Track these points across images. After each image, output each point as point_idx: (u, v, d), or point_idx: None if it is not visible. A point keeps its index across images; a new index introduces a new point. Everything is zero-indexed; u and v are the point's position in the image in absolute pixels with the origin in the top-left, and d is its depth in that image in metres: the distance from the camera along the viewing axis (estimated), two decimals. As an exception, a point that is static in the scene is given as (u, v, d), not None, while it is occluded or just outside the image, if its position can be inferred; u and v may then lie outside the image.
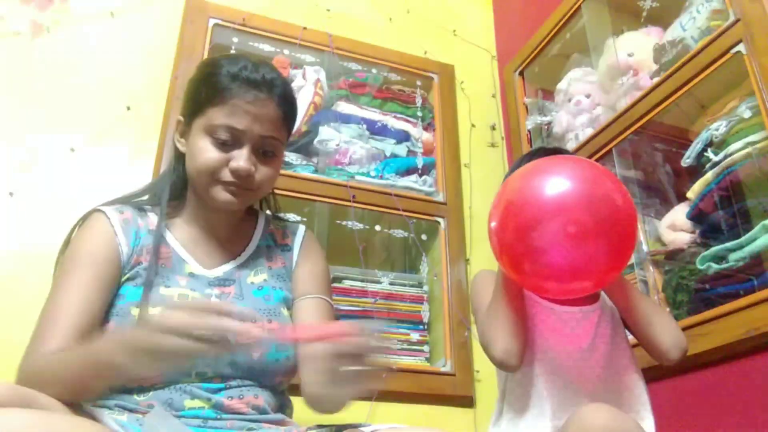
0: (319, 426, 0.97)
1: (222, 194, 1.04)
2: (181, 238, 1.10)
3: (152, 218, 1.10)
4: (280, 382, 1.07)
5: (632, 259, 1.62)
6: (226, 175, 1.03)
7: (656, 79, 1.63)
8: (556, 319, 1.17)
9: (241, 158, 1.02)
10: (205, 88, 1.05)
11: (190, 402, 0.95)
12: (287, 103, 1.08)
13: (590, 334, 1.16)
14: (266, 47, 2.09)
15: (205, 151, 1.03)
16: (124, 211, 1.09)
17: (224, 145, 1.03)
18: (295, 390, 1.17)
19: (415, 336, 1.86)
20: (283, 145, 1.10)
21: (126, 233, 1.05)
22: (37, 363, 0.94)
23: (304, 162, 1.95)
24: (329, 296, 1.16)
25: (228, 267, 1.10)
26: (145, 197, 1.15)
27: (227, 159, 1.03)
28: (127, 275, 1.03)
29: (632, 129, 1.68)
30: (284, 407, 1.07)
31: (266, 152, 1.06)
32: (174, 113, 1.80)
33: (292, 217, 1.83)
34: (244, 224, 1.17)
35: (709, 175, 1.48)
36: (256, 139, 1.04)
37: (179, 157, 1.12)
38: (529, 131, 2.14)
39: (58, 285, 1.01)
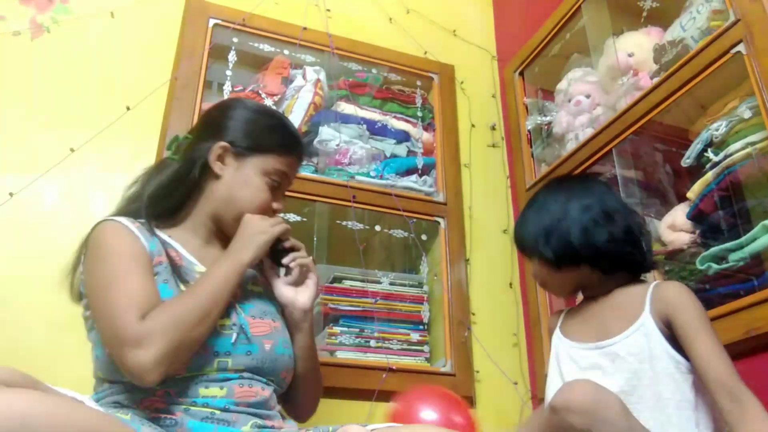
0: (317, 427, 0.99)
1: None
2: (188, 246, 1.17)
3: (158, 231, 1.16)
4: (284, 378, 1.14)
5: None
6: (269, 212, 1.20)
7: (656, 79, 1.63)
8: (573, 355, 1.17)
9: (279, 201, 1.23)
10: (273, 136, 1.22)
11: (204, 390, 1.01)
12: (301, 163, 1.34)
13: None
14: (266, 47, 2.09)
15: (261, 191, 1.19)
16: (135, 222, 1.15)
17: (272, 188, 1.20)
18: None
19: (415, 336, 1.86)
20: None
21: (144, 237, 1.12)
22: (150, 316, 0.98)
23: (305, 162, 1.95)
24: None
25: None
26: (144, 207, 1.18)
27: (272, 200, 1.21)
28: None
29: (632, 129, 1.68)
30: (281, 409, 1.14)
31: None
32: (174, 113, 1.81)
33: (291, 217, 1.83)
34: None
35: (709, 175, 1.48)
36: (288, 184, 1.26)
37: (203, 175, 1.19)
38: (529, 131, 2.14)
39: (116, 278, 1.03)
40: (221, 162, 1.18)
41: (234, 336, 1.06)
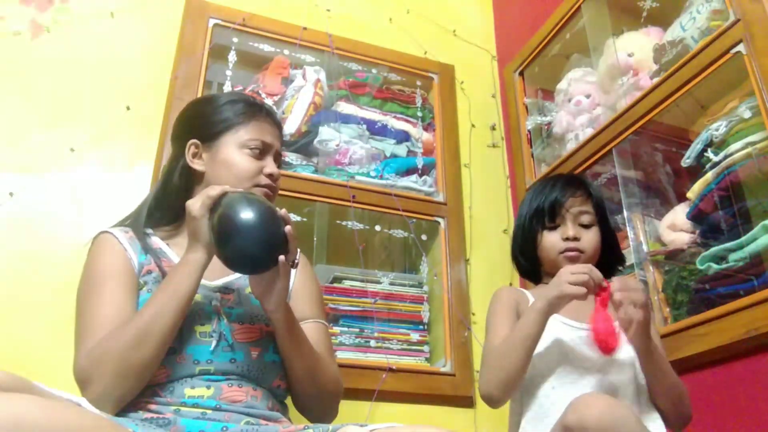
0: (316, 426, 0.98)
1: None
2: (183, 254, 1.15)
3: (154, 239, 1.19)
4: (278, 386, 1.12)
5: (632, 260, 1.62)
6: (263, 179, 1.20)
7: (656, 79, 1.63)
8: (574, 336, 1.17)
9: (271, 165, 1.22)
10: (233, 113, 1.23)
11: (191, 391, 1.01)
12: (282, 129, 1.34)
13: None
14: (266, 47, 2.09)
15: (245, 162, 1.19)
16: (128, 231, 1.18)
17: (256, 157, 1.20)
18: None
19: (415, 336, 1.86)
20: None
21: (134, 249, 1.14)
22: (89, 352, 1.00)
23: (304, 162, 1.95)
24: (324, 318, 1.28)
25: (227, 279, 1.18)
26: (143, 218, 1.22)
27: (261, 166, 1.20)
28: (140, 285, 1.12)
29: (632, 129, 1.68)
30: (281, 411, 1.11)
31: (278, 163, 1.26)
32: (174, 113, 1.79)
33: (291, 217, 1.83)
34: None
35: (709, 175, 1.49)
36: (275, 151, 1.25)
37: (187, 177, 1.22)
38: (529, 131, 2.14)
39: (88, 301, 1.07)
40: (198, 158, 1.22)
41: (213, 343, 1.04)
